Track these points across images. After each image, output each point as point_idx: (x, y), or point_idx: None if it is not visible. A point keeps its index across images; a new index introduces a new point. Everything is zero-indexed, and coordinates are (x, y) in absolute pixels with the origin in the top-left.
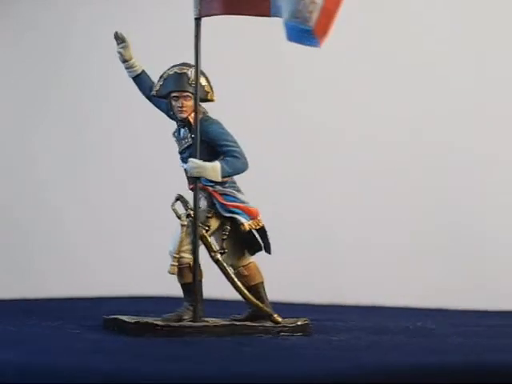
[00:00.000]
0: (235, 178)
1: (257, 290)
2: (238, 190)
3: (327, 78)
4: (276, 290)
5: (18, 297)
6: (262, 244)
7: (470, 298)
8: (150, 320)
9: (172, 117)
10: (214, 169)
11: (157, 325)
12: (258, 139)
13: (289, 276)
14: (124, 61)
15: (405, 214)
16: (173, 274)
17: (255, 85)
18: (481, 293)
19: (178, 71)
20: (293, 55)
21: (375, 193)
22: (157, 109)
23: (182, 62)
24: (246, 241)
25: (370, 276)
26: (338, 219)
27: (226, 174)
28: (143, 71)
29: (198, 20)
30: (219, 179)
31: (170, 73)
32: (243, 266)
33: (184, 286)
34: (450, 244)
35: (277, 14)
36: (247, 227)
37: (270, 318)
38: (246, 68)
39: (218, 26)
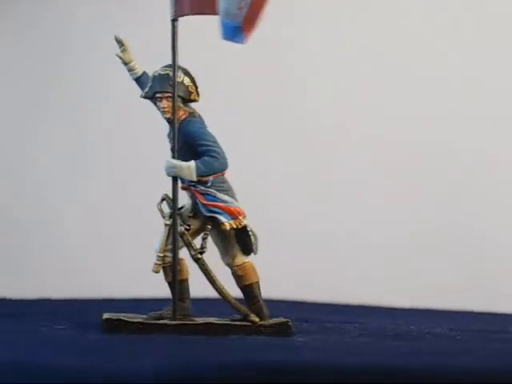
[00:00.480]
0: (230, 178)
1: (251, 289)
2: (224, 190)
3: (327, 78)
4: (275, 289)
5: (17, 297)
6: (249, 243)
7: (470, 298)
8: (121, 316)
9: None
10: (189, 168)
11: (128, 321)
12: (258, 139)
13: (288, 275)
14: (124, 64)
15: (405, 213)
16: (157, 272)
17: (254, 84)
18: (481, 293)
19: (162, 72)
20: (293, 55)
21: (375, 193)
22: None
23: (181, 62)
24: (240, 241)
25: (370, 276)
26: (338, 219)
27: (202, 174)
28: (144, 73)
29: (174, 21)
30: (194, 179)
31: (156, 74)
32: (237, 266)
33: (170, 284)
34: (450, 244)
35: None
36: (227, 226)
37: (246, 317)
38: (245, 67)
39: (215, 24)
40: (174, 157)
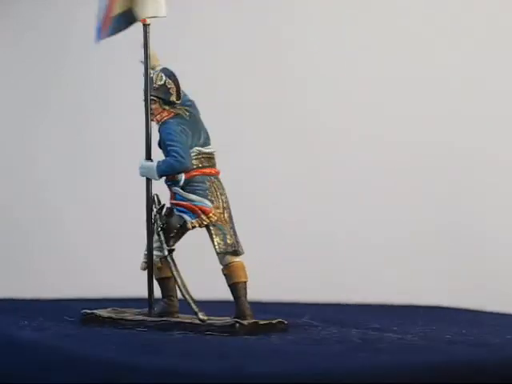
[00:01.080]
0: (230, 179)
1: (235, 289)
2: (200, 190)
3: (327, 78)
4: (277, 289)
5: (17, 296)
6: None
7: (469, 297)
8: (99, 312)
9: None
10: (152, 168)
11: (100, 316)
12: (259, 139)
13: (289, 275)
14: (151, 69)
15: (405, 214)
16: (144, 270)
17: (254, 84)
18: (481, 293)
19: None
20: (294, 54)
21: (375, 193)
22: None
23: (181, 62)
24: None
25: (370, 276)
26: (338, 219)
27: (162, 173)
28: None
29: (146, 26)
30: (156, 178)
31: None
32: (225, 266)
33: (158, 281)
34: (450, 244)
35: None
36: (189, 225)
37: (196, 315)
38: (245, 66)
39: (214, 25)
40: (147, 158)
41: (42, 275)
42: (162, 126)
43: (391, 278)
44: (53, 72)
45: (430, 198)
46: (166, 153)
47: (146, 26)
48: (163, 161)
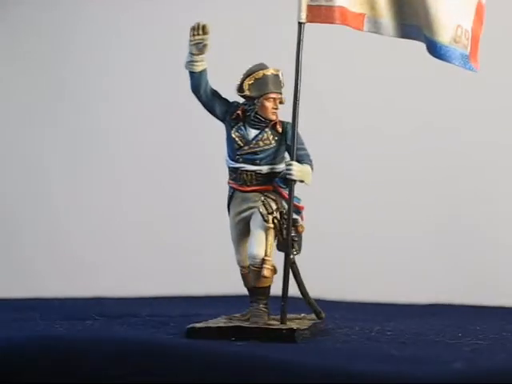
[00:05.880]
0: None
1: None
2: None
3: (333, 75)
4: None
5: (16, 297)
6: None
7: (469, 297)
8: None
9: (226, 120)
10: (309, 172)
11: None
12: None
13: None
14: (196, 54)
15: (404, 214)
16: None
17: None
18: (480, 292)
19: (275, 72)
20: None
21: (377, 193)
22: (153, 109)
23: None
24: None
25: (370, 275)
26: (341, 219)
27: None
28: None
29: (301, 24)
30: (309, 183)
31: (267, 73)
32: None
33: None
34: (450, 244)
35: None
36: (300, 228)
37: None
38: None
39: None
40: (292, 159)
41: (41, 275)
42: (288, 127)
43: (392, 277)
44: (54, 72)
45: (430, 198)
46: (299, 156)
47: (301, 24)
48: (309, 165)
